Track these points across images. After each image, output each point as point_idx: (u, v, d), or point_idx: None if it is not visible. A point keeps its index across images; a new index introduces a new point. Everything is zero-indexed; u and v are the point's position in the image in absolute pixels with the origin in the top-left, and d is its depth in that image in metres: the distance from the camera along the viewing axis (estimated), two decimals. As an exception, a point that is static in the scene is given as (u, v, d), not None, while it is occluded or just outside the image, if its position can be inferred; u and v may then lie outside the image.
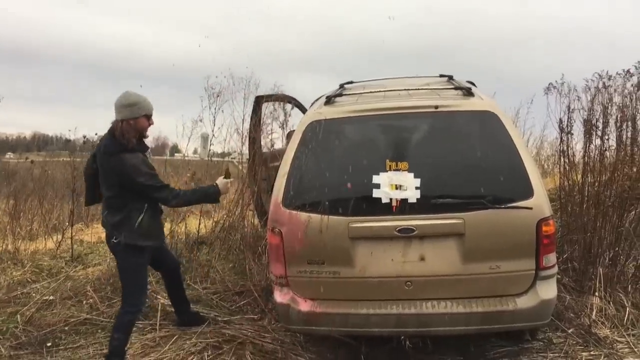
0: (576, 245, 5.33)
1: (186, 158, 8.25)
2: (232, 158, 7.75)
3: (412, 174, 3.60)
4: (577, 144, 5.50)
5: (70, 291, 5.38)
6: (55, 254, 6.79)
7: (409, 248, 3.62)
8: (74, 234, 7.11)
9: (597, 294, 4.80)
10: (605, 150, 5.21)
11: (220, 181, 4.16)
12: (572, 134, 5.27)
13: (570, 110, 5.21)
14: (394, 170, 3.63)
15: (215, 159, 7.43)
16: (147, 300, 4.38)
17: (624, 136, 5.27)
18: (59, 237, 7.29)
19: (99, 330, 4.60)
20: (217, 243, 6.27)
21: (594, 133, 5.24)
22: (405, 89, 4.29)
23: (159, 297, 5.01)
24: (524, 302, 3.56)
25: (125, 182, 3.76)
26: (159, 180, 3.88)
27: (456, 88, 4.19)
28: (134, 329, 4.38)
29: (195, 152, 8.76)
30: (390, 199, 3.59)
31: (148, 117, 3.94)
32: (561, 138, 5.43)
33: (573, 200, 5.47)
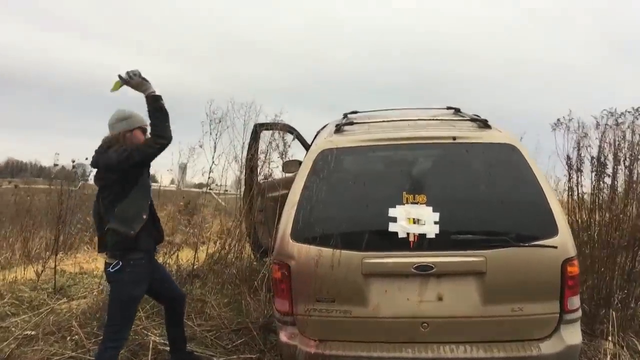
0: (585, 287, 5.16)
1: (162, 188, 8.03)
2: (210, 189, 7.55)
3: (430, 208, 3.42)
4: (585, 181, 5.38)
5: (53, 326, 5.03)
6: (36, 285, 6.41)
7: (426, 287, 3.41)
8: (56, 264, 6.72)
9: (610, 338, 4.61)
10: (615, 188, 5.09)
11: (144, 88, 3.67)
12: (582, 171, 5.15)
13: (580, 146, 5.10)
14: (412, 203, 3.45)
15: (194, 189, 7.23)
16: (129, 336, 4.07)
17: (635, 175, 5.15)
18: (39, 266, 6.91)
19: (84, 370, 4.25)
20: (211, 276, 5.98)
21: (603, 171, 5.13)
22: (417, 119, 4.16)
23: (149, 334, 4.70)
24: (548, 348, 3.35)
25: (115, 169, 3.63)
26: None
27: (471, 120, 4.06)
28: (123, 369, 4.09)
29: (172, 182, 8.57)
30: (407, 234, 3.40)
31: (143, 130, 3.84)
32: (569, 175, 5.31)
33: (581, 239, 5.32)
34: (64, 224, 8.51)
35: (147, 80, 3.63)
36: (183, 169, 7.29)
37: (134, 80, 3.59)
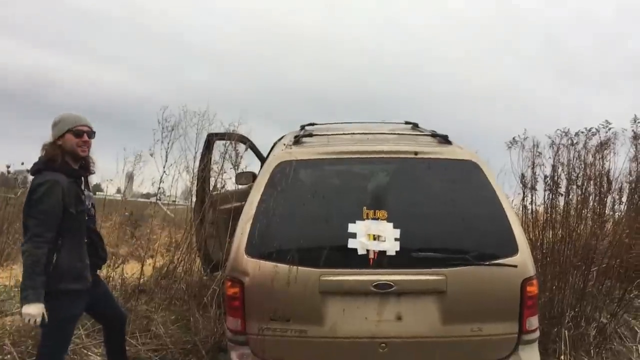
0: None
1: (108, 197, 7.70)
2: (157, 199, 7.29)
3: (391, 224, 3.32)
4: (538, 199, 5.44)
5: (-17, 344, 4.62)
6: (-36, 299, 5.95)
7: (385, 306, 3.29)
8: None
9: (562, 358, 4.63)
10: (569, 207, 5.16)
11: (35, 308, 3.18)
12: (536, 190, 5.20)
13: (535, 165, 5.15)
14: (372, 218, 3.33)
15: (142, 199, 6.95)
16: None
17: (588, 194, 5.25)
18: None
19: (16, 393, 3.91)
20: (158, 291, 5.69)
21: (557, 189, 5.19)
22: (377, 133, 4.08)
23: (90, 354, 4.41)
24: None
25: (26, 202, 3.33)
26: (40, 225, 3.23)
27: (431, 135, 4.01)
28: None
29: (118, 191, 8.25)
30: (367, 251, 3.28)
31: (76, 133, 3.45)
32: (523, 193, 5.35)
33: (534, 257, 5.36)
34: (0, 234, 8.05)
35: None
36: (130, 177, 6.98)
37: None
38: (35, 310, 3.15)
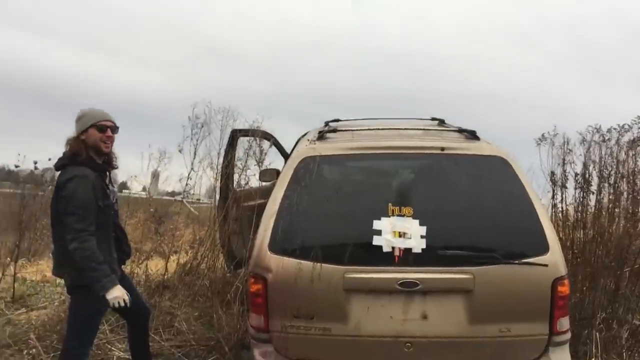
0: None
1: (133, 195, 7.75)
2: (182, 197, 7.30)
3: (417, 221, 3.25)
4: (569, 198, 5.29)
5: (10, 338, 4.68)
6: (-7, 293, 6.04)
7: (411, 304, 3.22)
8: (16, 271, 6.35)
9: (593, 360, 4.49)
10: (600, 206, 5.01)
11: (118, 290, 3.30)
12: (566, 188, 5.05)
13: (565, 162, 5.01)
14: (397, 215, 3.26)
15: (167, 197, 6.97)
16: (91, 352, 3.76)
17: (620, 192, 5.09)
18: (-1, 273, 6.54)
19: (41, 386, 3.94)
20: (182, 288, 5.69)
21: (588, 188, 5.04)
22: (403, 128, 4.01)
23: (113, 349, 4.42)
24: None
25: (57, 200, 3.32)
26: (81, 220, 3.23)
27: (459, 131, 3.92)
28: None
29: (144, 189, 8.30)
30: (392, 248, 3.21)
31: (99, 127, 3.45)
32: (553, 191, 5.21)
33: (565, 257, 5.23)
34: (28, 229, 8.15)
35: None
36: (155, 175, 7.02)
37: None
38: (118, 292, 3.25)
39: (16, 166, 6.86)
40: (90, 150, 3.43)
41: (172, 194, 6.65)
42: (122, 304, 3.26)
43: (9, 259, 6.98)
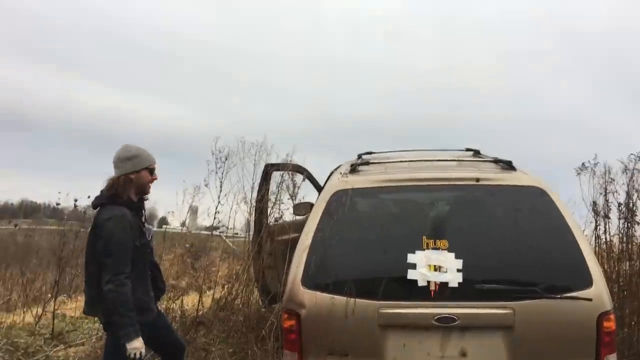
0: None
1: (171, 230, 7.81)
2: (220, 232, 7.33)
3: (452, 254, 3.16)
4: (612, 229, 5.11)
5: (49, 375, 4.71)
6: (34, 330, 6.11)
7: (449, 341, 3.12)
8: (56, 307, 6.45)
9: (646, 399, 4.26)
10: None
11: (139, 342, 3.25)
12: (609, 218, 4.88)
13: (607, 192, 4.85)
14: (432, 248, 3.19)
15: (204, 232, 7.00)
16: None
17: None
18: (39, 310, 6.64)
19: None
20: (217, 324, 5.67)
21: (633, 218, 4.86)
22: (436, 159, 3.96)
23: (150, 385, 4.39)
24: None
25: (94, 239, 3.32)
26: (119, 261, 3.24)
27: (494, 161, 3.84)
28: None
29: (183, 224, 8.38)
30: (428, 282, 3.13)
31: (151, 170, 3.55)
32: (596, 222, 5.04)
33: (610, 290, 5.02)
34: (69, 266, 8.30)
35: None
36: (194, 211, 7.09)
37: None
38: (139, 343, 3.22)
39: (57, 204, 7.02)
40: (132, 189, 3.48)
41: (211, 228, 6.68)
42: (138, 357, 3.22)
43: (49, 295, 7.08)
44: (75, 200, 6.78)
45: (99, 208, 3.45)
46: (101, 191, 3.52)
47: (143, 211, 3.61)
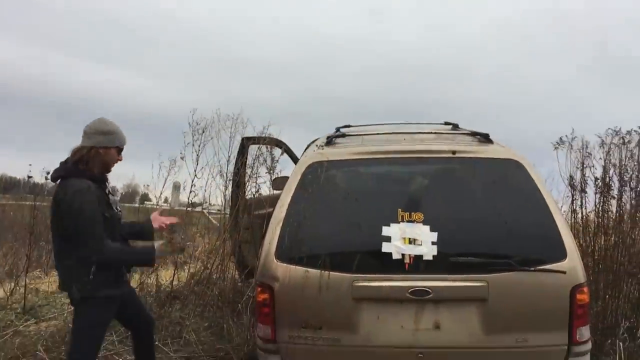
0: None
1: (155, 206, 7.69)
2: (203, 208, 7.23)
3: (427, 227, 3.13)
4: (589, 203, 5.13)
5: (18, 349, 4.61)
6: (5, 304, 6.01)
7: (423, 313, 3.10)
8: (29, 282, 6.32)
9: (618, 371, 4.32)
10: (622, 211, 4.84)
11: (158, 244, 3.43)
12: (586, 193, 4.89)
13: (584, 166, 4.85)
14: (407, 221, 3.15)
15: (188, 208, 6.89)
16: None
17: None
18: (12, 284, 6.52)
19: (49, 399, 3.86)
20: (192, 298, 5.61)
21: (608, 192, 4.87)
22: (414, 133, 3.91)
23: (121, 360, 4.33)
24: None
25: (59, 213, 3.20)
26: (92, 233, 3.15)
27: (471, 134, 3.80)
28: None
29: (166, 200, 8.28)
30: (402, 255, 3.10)
31: (120, 150, 3.46)
32: (572, 196, 5.05)
33: (585, 264, 5.06)
34: (44, 241, 8.17)
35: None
36: (177, 187, 6.97)
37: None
38: (157, 244, 3.37)
39: (29, 177, 6.85)
40: (99, 165, 3.35)
41: (191, 204, 6.57)
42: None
43: (21, 269, 6.96)
44: (48, 173, 6.59)
45: (59, 181, 3.33)
46: (62, 163, 3.40)
47: (107, 183, 3.51)
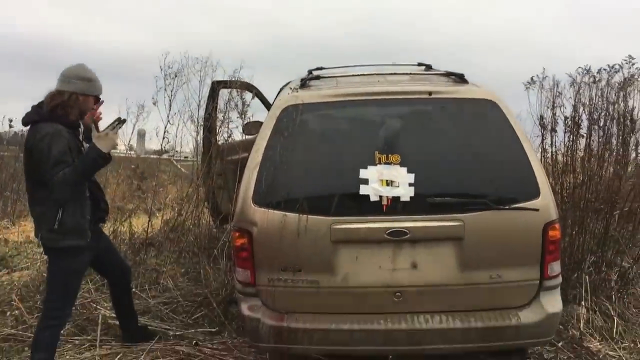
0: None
1: (119, 154, 7.56)
2: (170, 155, 7.13)
3: (405, 169, 3.14)
4: (558, 143, 5.21)
5: (-9, 300, 4.59)
6: (-26, 256, 5.92)
7: (400, 254, 3.15)
8: (-5, 232, 6.23)
9: (583, 303, 4.50)
10: (590, 149, 4.93)
11: (96, 136, 3.27)
12: (556, 132, 4.96)
13: (555, 106, 4.90)
14: (384, 163, 3.15)
15: (153, 155, 6.79)
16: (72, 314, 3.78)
17: (610, 135, 5.01)
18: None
19: (26, 348, 3.83)
20: (167, 245, 5.60)
21: (577, 131, 4.95)
22: (389, 74, 3.87)
23: (99, 307, 4.34)
24: (527, 316, 3.16)
25: (31, 160, 3.18)
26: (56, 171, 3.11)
27: (446, 75, 3.78)
28: (69, 345, 3.80)
29: (131, 148, 8.14)
30: (380, 197, 3.12)
31: (97, 100, 3.40)
32: (543, 136, 5.12)
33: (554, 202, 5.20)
34: (8, 191, 8.00)
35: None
36: (142, 134, 6.82)
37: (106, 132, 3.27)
38: (103, 143, 3.24)
39: (11, 126, 6.63)
40: (75, 112, 3.30)
41: (160, 152, 6.44)
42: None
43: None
44: (11, 121, 6.38)
45: (30, 126, 3.23)
46: (34, 106, 3.29)
47: (80, 129, 3.41)
